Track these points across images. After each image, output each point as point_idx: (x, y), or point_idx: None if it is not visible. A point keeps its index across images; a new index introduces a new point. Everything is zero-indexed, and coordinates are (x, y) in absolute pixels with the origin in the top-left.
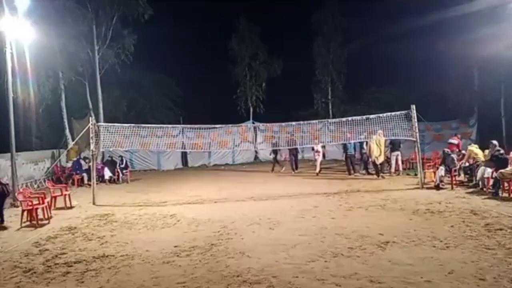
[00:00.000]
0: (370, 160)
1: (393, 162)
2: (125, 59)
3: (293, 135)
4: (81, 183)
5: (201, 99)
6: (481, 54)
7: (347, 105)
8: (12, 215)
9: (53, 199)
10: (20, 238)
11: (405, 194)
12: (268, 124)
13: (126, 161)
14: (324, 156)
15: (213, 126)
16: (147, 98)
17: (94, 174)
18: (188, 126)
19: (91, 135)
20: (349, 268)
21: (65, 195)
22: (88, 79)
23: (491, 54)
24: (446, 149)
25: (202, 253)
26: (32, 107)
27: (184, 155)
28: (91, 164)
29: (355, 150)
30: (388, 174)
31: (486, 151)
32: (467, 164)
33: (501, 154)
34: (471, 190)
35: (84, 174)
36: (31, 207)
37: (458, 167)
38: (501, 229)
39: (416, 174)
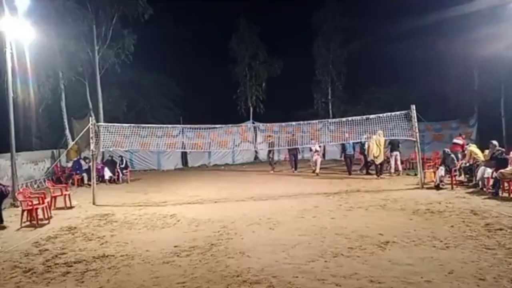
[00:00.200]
0: (368, 159)
1: (392, 162)
2: (125, 59)
3: (293, 135)
4: (81, 183)
5: (201, 99)
6: (481, 54)
7: (347, 105)
8: (12, 215)
9: (53, 199)
10: (20, 238)
11: (405, 194)
12: (268, 124)
13: (126, 161)
14: (324, 156)
15: (213, 126)
16: (147, 98)
17: (94, 174)
18: (188, 126)
19: (91, 135)
20: (349, 268)
21: (65, 195)
22: (88, 79)
23: (491, 54)
24: (446, 149)
25: (202, 253)
26: (32, 107)
27: (184, 155)
28: (91, 164)
29: (354, 150)
30: (388, 174)
31: (486, 151)
32: (467, 164)
33: (501, 154)
34: (471, 190)
35: (84, 174)
36: (31, 207)
37: (458, 167)
38: (501, 229)
39: (416, 174)
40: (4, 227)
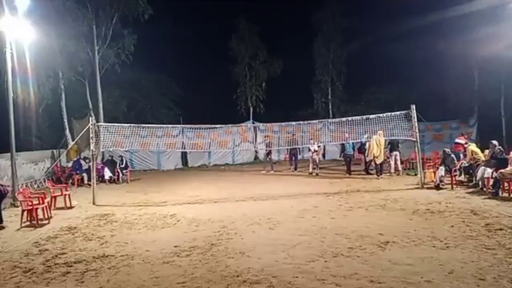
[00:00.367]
0: (367, 159)
1: (392, 162)
2: (125, 59)
3: (293, 135)
4: (81, 183)
5: (201, 99)
6: (481, 54)
7: (347, 105)
8: (12, 215)
9: (53, 199)
10: (20, 238)
11: (405, 194)
12: (268, 124)
13: (126, 161)
14: (324, 156)
15: (213, 126)
16: (147, 98)
17: (94, 174)
18: (188, 126)
19: (91, 135)
20: (349, 268)
21: (65, 195)
22: (88, 79)
23: (491, 54)
24: (446, 149)
25: (202, 253)
26: (32, 107)
27: (184, 155)
28: (91, 164)
29: (353, 150)
30: (388, 174)
31: (486, 151)
32: (467, 164)
33: (501, 154)
34: (471, 190)
35: (84, 174)
36: (31, 207)
37: (458, 167)
38: (501, 229)
39: (416, 174)
40: (4, 227)
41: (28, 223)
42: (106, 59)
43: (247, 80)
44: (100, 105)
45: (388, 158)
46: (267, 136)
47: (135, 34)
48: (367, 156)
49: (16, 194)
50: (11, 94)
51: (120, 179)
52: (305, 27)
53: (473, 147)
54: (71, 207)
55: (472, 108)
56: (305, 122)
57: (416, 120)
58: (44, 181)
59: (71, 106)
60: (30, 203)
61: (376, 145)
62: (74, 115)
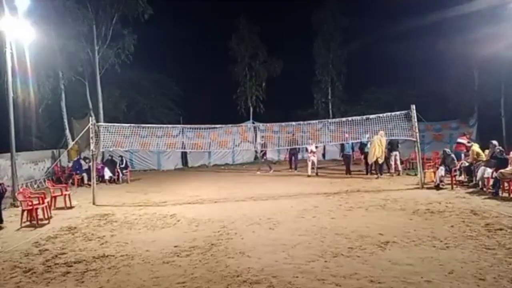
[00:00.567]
0: (370, 161)
1: (392, 162)
2: (125, 59)
3: (293, 135)
4: (81, 183)
5: (201, 99)
6: (481, 54)
7: (347, 105)
8: (12, 215)
9: (53, 199)
10: (20, 238)
11: (405, 194)
12: (268, 124)
13: (126, 161)
14: (324, 156)
15: (213, 126)
16: (147, 98)
17: (94, 174)
18: (188, 126)
19: (91, 135)
20: (349, 268)
21: (65, 195)
22: (88, 79)
23: (491, 54)
24: (446, 149)
25: (202, 253)
26: (32, 107)
27: (184, 155)
28: (91, 164)
29: (353, 150)
30: (388, 174)
31: (486, 151)
32: (467, 164)
33: (501, 154)
34: (471, 190)
35: (84, 174)
36: (31, 207)
37: (458, 167)
38: (501, 229)
39: (416, 174)
40: (4, 227)
41: (28, 223)
42: (106, 59)
43: (247, 80)
44: (100, 105)
45: (387, 158)
46: (263, 136)
47: (135, 34)
48: (371, 158)
49: (16, 194)
50: (11, 94)
51: (120, 179)
52: (305, 27)
53: (477, 147)
54: (71, 207)
55: (472, 108)
56: (305, 122)
57: (416, 120)
58: (44, 181)
59: (71, 106)
60: (30, 203)
61: (378, 146)
62: (74, 115)
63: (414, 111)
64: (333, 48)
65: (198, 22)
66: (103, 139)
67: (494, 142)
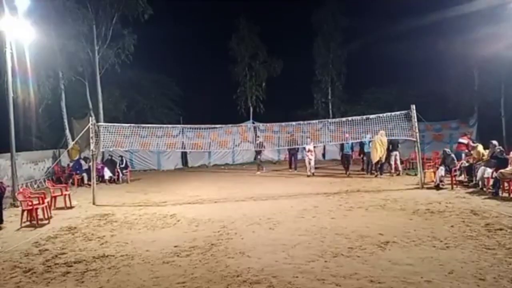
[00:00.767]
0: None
1: (392, 162)
2: (125, 59)
3: (292, 135)
4: (81, 183)
5: (201, 99)
6: (481, 54)
7: (347, 105)
8: (12, 215)
9: (53, 199)
10: (20, 238)
11: (405, 194)
12: (268, 124)
13: (126, 161)
14: (324, 156)
15: (213, 126)
16: (147, 98)
17: (94, 174)
18: (188, 126)
19: (91, 135)
20: (349, 268)
21: (65, 195)
22: (88, 79)
23: (491, 54)
24: (446, 149)
25: (202, 253)
26: (32, 107)
27: (184, 155)
28: (91, 164)
29: (352, 150)
30: (388, 174)
31: (486, 151)
32: (467, 164)
33: (501, 154)
34: (471, 190)
35: (84, 174)
36: (31, 207)
37: (458, 167)
38: (501, 229)
39: (416, 174)
40: (4, 227)
41: (28, 223)
42: (106, 59)
43: (247, 80)
44: (100, 105)
45: (387, 158)
46: (258, 136)
47: (135, 34)
48: (374, 158)
49: (16, 194)
50: (11, 94)
51: (120, 179)
52: (305, 27)
53: (481, 148)
54: (71, 207)
55: (472, 108)
56: (305, 122)
57: (416, 120)
58: (44, 181)
59: (71, 106)
60: (30, 203)
61: (379, 145)
62: (74, 115)
63: (414, 111)
64: (333, 48)
65: (198, 22)
66: (103, 139)
67: (494, 142)
